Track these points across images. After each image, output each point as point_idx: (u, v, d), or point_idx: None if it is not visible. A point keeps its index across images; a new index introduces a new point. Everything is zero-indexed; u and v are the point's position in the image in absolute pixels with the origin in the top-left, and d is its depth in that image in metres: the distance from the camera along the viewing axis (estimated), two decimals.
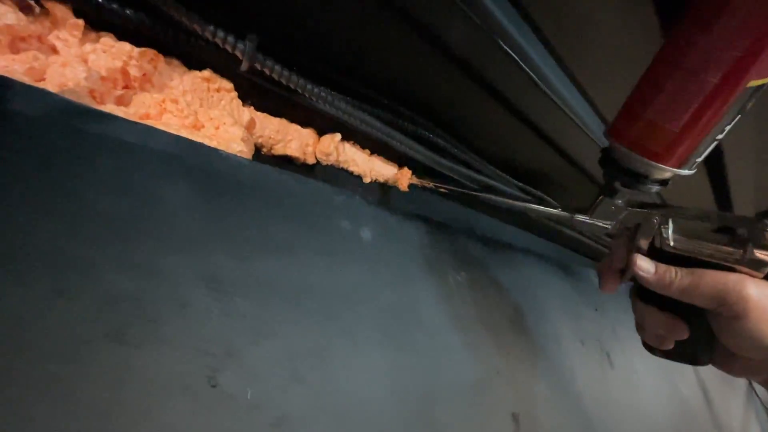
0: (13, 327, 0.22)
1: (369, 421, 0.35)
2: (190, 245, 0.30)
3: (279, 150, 0.53)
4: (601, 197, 0.44)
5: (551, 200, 0.94)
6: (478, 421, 0.46)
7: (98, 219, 0.27)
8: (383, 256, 0.47)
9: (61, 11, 0.36)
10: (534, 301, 0.73)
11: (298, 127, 0.57)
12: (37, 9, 0.36)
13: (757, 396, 2.01)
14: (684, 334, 0.39)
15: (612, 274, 0.44)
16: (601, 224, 0.44)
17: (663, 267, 0.38)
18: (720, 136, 0.36)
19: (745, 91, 0.31)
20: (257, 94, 0.52)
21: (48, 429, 0.21)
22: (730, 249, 0.35)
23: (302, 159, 0.56)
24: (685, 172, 0.38)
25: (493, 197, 0.59)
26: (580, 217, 0.46)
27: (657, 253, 0.39)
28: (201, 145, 0.36)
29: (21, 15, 0.33)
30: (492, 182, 0.78)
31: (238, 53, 0.43)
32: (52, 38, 0.36)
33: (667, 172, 0.38)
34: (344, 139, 0.62)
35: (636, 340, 0.45)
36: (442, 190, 0.62)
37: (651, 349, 0.44)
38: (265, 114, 0.53)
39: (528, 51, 0.50)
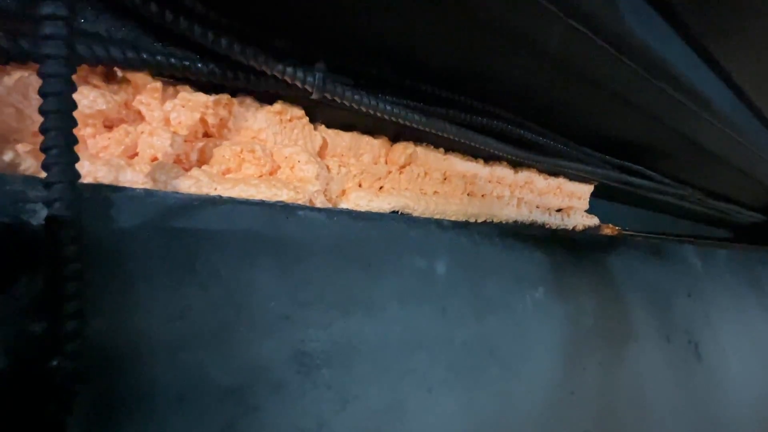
0: None
1: None
2: (279, 324, 0.33)
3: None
4: None
5: None
6: None
7: (203, 318, 0.29)
8: (458, 289, 0.46)
9: (141, 78, 0.36)
10: (616, 301, 0.69)
11: (370, 138, 0.54)
12: (120, 73, 0.36)
13: None
14: None
15: None
16: None
17: None
18: None
19: None
20: (328, 110, 0.50)
21: None
22: None
23: None
24: None
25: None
26: None
27: None
28: (278, 209, 0.36)
29: (109, 96, 0.34)
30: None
31: (308, 87, 0.41)
32: (136, 104, 0.37)
33: None
34: (417, 141, 0.59)
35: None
36: None
37: None
38: (336, 130, 0.52)
39: None
